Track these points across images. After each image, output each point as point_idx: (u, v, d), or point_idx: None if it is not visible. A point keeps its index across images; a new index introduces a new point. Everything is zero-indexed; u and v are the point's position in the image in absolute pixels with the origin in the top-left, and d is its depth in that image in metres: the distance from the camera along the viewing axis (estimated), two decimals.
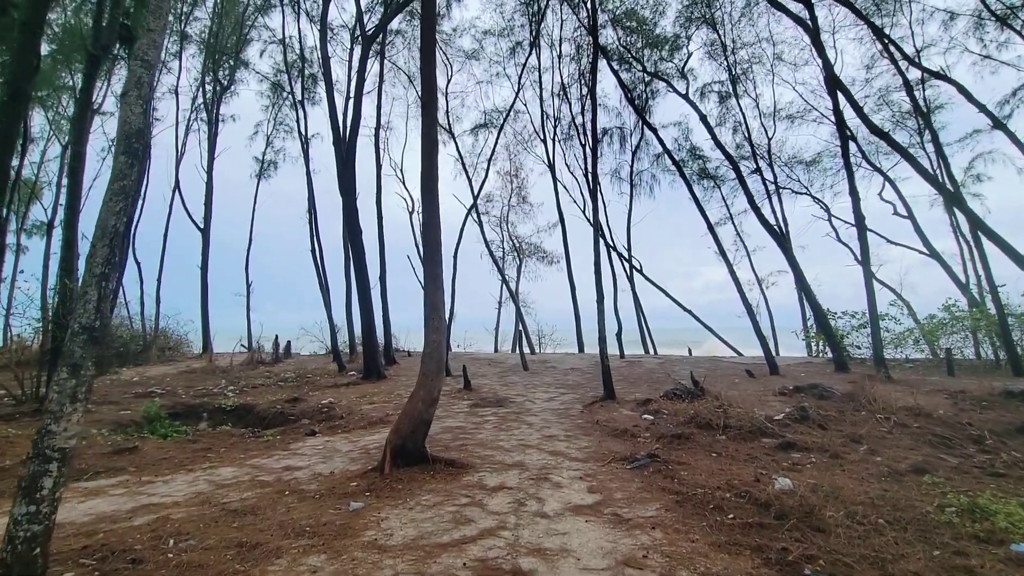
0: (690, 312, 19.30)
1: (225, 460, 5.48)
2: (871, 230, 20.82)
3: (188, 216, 22.10)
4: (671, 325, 31.28)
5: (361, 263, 12.80)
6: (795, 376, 11.72)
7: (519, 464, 4.99)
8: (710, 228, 12.98)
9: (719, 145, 15.13)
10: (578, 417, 7.54)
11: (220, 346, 24.82)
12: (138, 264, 27.89)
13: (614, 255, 21.14)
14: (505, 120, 16.47)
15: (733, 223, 22.49)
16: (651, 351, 21.04)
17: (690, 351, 18.62)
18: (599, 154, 23.31)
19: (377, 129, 17.22)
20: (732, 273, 12.40)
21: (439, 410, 8.29)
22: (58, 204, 29.78)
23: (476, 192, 14.09)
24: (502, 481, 4.44)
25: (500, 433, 6.44)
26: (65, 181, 26.01)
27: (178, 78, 23.12)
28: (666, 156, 22.38)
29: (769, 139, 22.31)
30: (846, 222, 21.46)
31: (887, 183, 19.05)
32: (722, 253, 12.96)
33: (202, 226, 21.96)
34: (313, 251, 16.96)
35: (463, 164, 22.56)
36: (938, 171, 17.27)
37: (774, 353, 20.38)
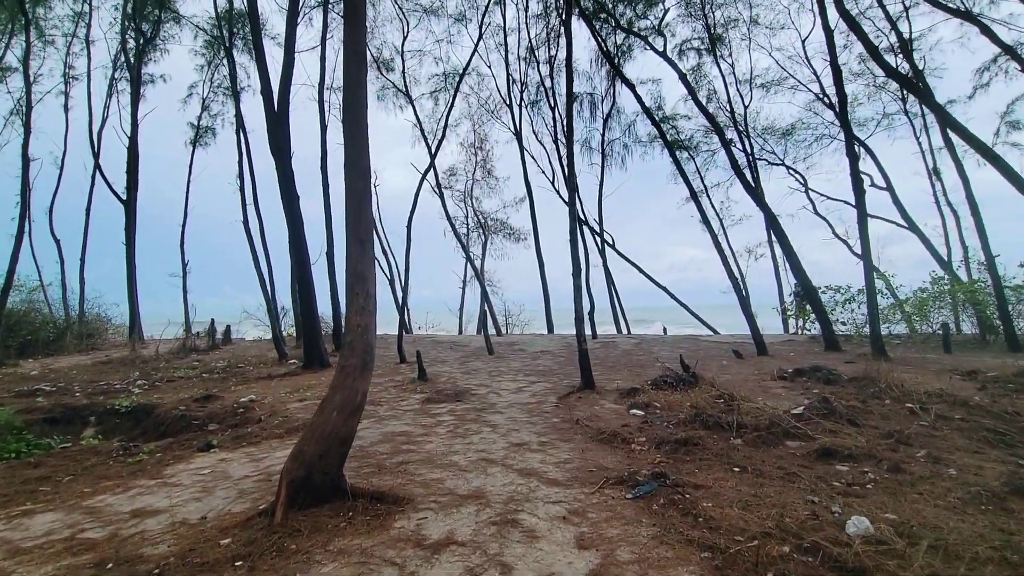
0: (665, 289, 18.31)
1: (58, 497, 3.84)
2: (845, 202, 20.28)
3: (108, 187, 19.45)
4: (641, 303, 30.51)
5: (298, 235, 10.99)
6: (786, 357, 10.74)
7: (477, 494, 3.57)
8: (693, 195, 11.78)
9: (700, 107, 13.87)
10: (553, 414, 6.19)
11: (156, 332, 22.50)
12: (57, 242, 24.88)
13: (585, 230, 19.84)
14: (464, 73, 14.72)
15: (707, 196, 21.54)
16: (624, 330, 20.01)
17: (665, 330, 17.66)
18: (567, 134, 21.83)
19: (321, 86, 15.15)
20: (717, 244, 11.27)
21: (383, 408, 6.81)
22: None
23: (434, 151, 12.38)
24: (451, 529, 3.01)
25: (455, 441, 5.01)
26: None
27: (88, 25, 20.14)
28: (645, 116, 21.14)
29: (745, 107, 21.26)
30: (822, 195, 20.84)
31: (867, 154, 18.38)
32: (706, 222, 11.82)
33: (124, 197, 19.37)
34: (245, 222, 14.92)
35: (421, 130, 20.67)
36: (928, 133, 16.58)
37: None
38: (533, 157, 21.67)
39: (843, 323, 13.23)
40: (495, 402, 6.96)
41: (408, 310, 25.97)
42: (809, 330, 14.15)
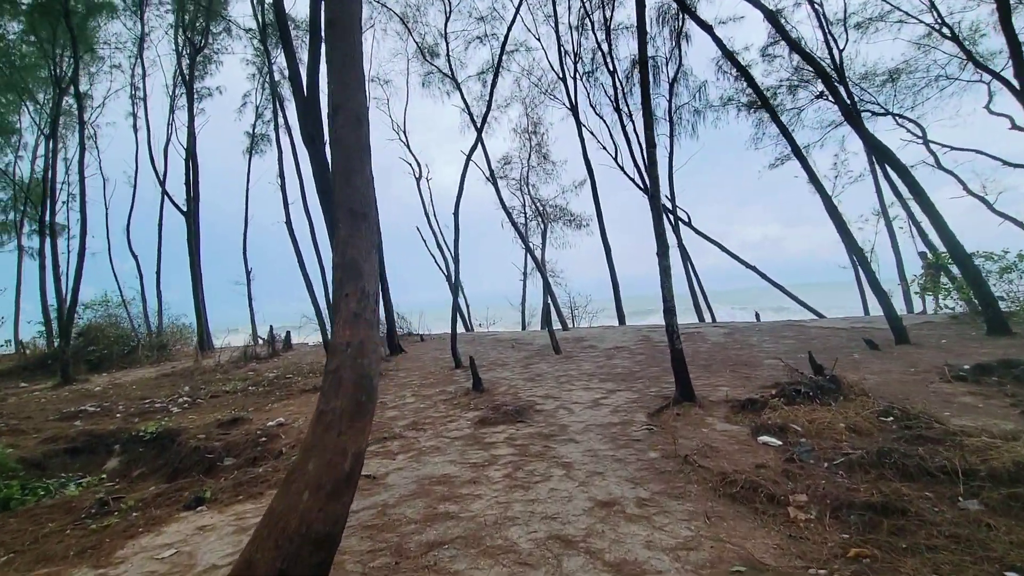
0: (755, 269, 15.87)
1: None
2: (980, 152, 16.75)
3: (170, 200, 19.77)
4: (719, 287, 27.77)
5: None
6: (937, 345, 8.38)
7: None
8: (797, 151, 9.52)
9: (795, 46, 11.48)
10: (647, 441, 4.55)
11: (236, 341, 22.88)
12: (135, 257, 26.20)
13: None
14: (509, 31, 13.13)
15: (801, 158, 18.62)
16: (708, 318, 17.76)
17: (758, 316, 15.29)
18: (627, 90, 19.71)
19: None
20: (832, 210, 9.01)
21: (425, 435, 5.43)
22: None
23: (480, 124, 10.97)
24: None
25: (514, 495, 3.53)
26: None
27: (140, 44, 20.50)
28: (718, 73, 18.77)
29: (840, 51, 18.15)
30: (947, 146, 17.39)
31: (1007, 89, 14.92)
32: (815, 182, 9.54)
33: (185, 209, 19.58)
34: (287, 222, 14.27)
35: (470, 114, 19.36)
36: None
37: (867, 309, 16.87)
38: (592, 132, 19.78)
39: (1001, 298, 10.47)
40: (566, 422, 5.41)
41: (468, 307, 24.97)
42: (952, 308, 11.41)
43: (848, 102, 14.21)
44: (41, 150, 28.36)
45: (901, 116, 16.61)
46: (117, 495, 4.26)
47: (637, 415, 5.52)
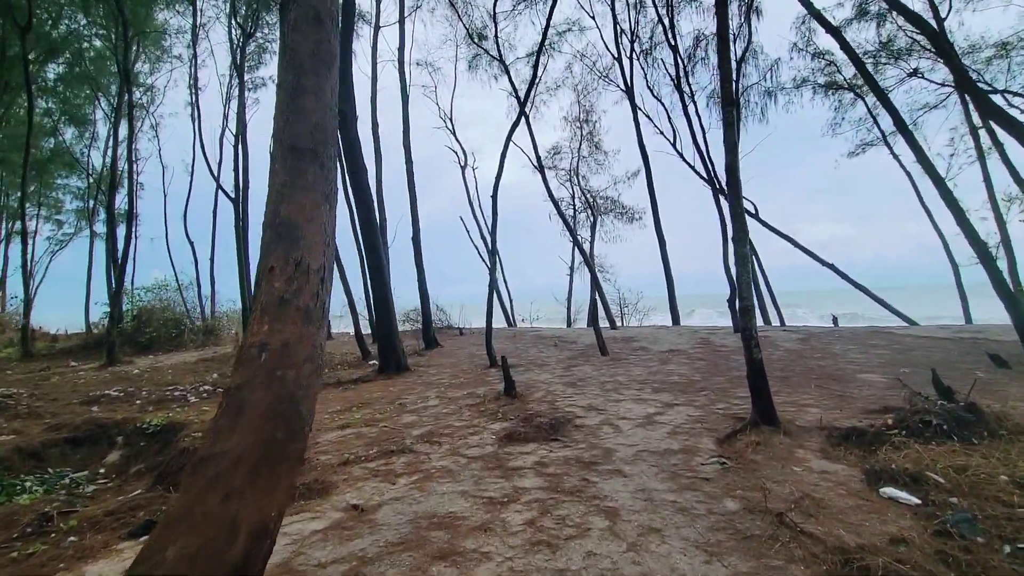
0: (832, 267, 14.02)
1: None
2: None
3: (220, 188, 19.99)
4: (785, 287, 25.52)
5: (368, 213, 9.26)
6: None
7: None
8: (902, 128, 7.86)
9: (899, 6, 9.69)
10: (720, 482, 3.44)
11: None
12: (191, 243, 27.02)
13: (720, 198, 16.10)
14: (554, 3, 11.98)
15: (907, 134, 16.47)
16: (776, 321, 16.03)
17: (835, 320, 13.49)
18: (690, 69, 18.07)
19: (400, 52, 13.49)
20: (948, 196, 7.34)
21: (439, 451, 4.44)
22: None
23: (523, 97, 9.97)
24: None
25: (535, 559, 2.54)
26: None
27: (195, 33, 20.79)
28: (803, 40, 16.96)
29: (941, 21, 15.81)
30: None
31: None
32: (924, 162, 7.85)
33: (233, 196, 19.74)
34: None
35: (517, 97, 18.34)
36: None
37: (969, 316, 14.59)
38: (648, 116, 18.31)
39: None
40: (612, 445, 4.36)
41: (511, 301, 24.09)
42: None
43: (961, 71, 12.20)
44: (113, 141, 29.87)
45: (1014, 94, 14.16)
46: (69, 509, 3.60)
47: (702, 440, 4.39)
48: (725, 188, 4.48)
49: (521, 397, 6.45)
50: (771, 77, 18.17)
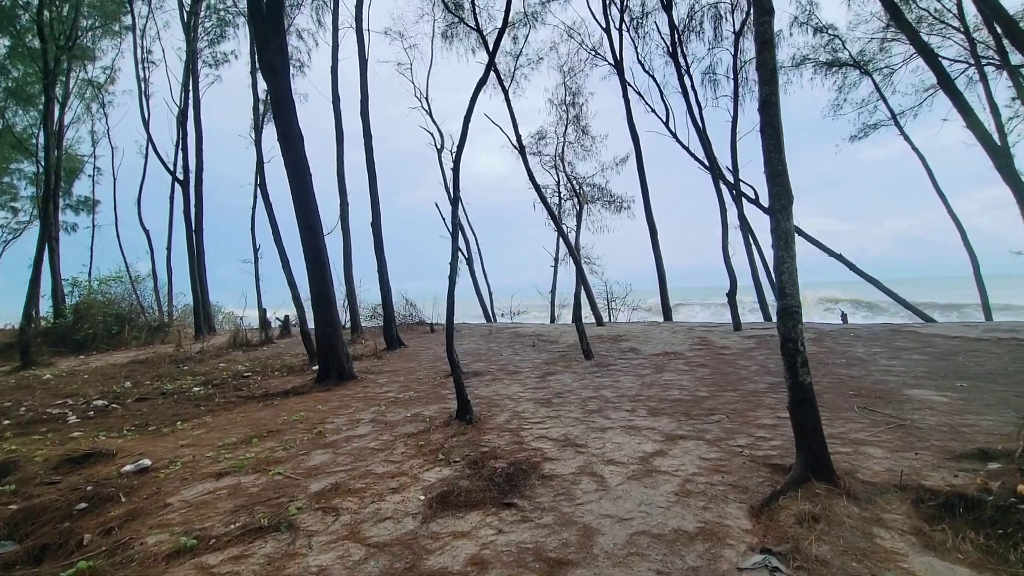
0: (840, 258, 12.69)
1: None
2: None
3: (163, 165, 18.05)
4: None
5: (304, 188, 7.64)
6: None
7: None
8: (946, 84, 6.43)
9: None
10: None
11: (246, 322, 21.35)
12: (146, 231, 25.01)
13: (719, 182, 14.66)
14: None
15: (952, 92, 15.16)
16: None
17: (845, 317, 12.20)
18: (685, 36, 16.58)
19: (359, 8, 11.77)
20: (1009, 169, 5.96)
21: (326, 532, 2.83)
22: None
23: (492, 47, 8.38)
24: None
25: None
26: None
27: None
28: (804, 14, 15.59)
29: None
30: None
31: None
32: (978, 131, 6.46)
33: (181, 177, 17.86)
34: (261, 184, 12.09)
35: (496, 73, 16.71)
36: None
37: (989, 312, 13.38)
38: (639, 93, 16.79)
39: None
40: (593, 521, 2.86)
41: (491, 295, 22.56)
42: None
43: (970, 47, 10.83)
44: (65, 119, 27.59)
45: None
46: None
47: (729, 508, 2.92)
48: (760, 130, 2.97)
49: (478, 423, 4.94)
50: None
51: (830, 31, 17.49)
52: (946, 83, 6.35)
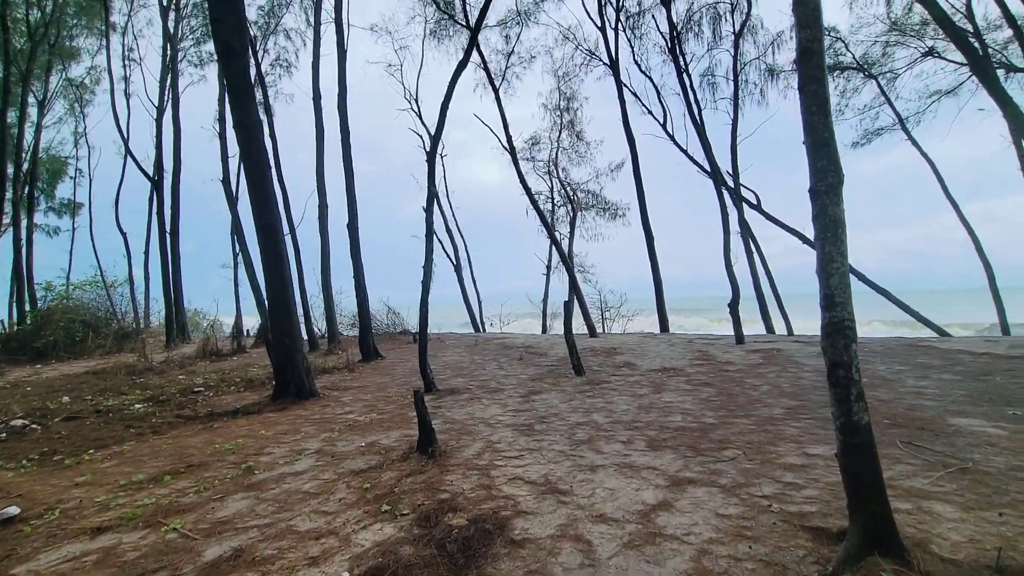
0: (854, 272, 11.93)
1: None
2: None
3: (137, 165, 17.17)
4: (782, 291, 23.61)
5: (261, 181, 6.81)
6: None
7: None
8: (981, 72, 5.72)
9: None
10: None
11: (224, 329, 20.47)
12: (123, 235, 24.09)
13: (714, 187, 13.95)
14: None
15: (905, 127, 14.55)
16: (782, 328, 13.95)
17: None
18: (683, 47, 15.97)
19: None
20: None
21: None
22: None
23: (476, 24, 7.61)
24: None
25: None
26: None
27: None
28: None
29: None
30: None
31: None
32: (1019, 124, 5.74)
33: (154, 177, 16.97)
34: (225, 180, 11.25)
35: (486, 69, 16.02)
36: None
37: (1007, 325, 12.59)
38: (635, 94, 16.13)
39: None
40: None
41: (481, 303, 21.71)
42: None
43: (980, 52, 10.18)
44: (45, 120, 26.74)
45: None
46: None
47: None
48: (799, 87, 2.16)
49: (443, 456, 4.09)
50: (772, 53, 16.15)
51: (832, 33, 16.95)
52: (981, 70, 5.66)
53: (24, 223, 20.58)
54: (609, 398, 6.12)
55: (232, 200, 10.50)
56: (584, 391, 6.63)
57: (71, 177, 30.91)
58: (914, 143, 14.79)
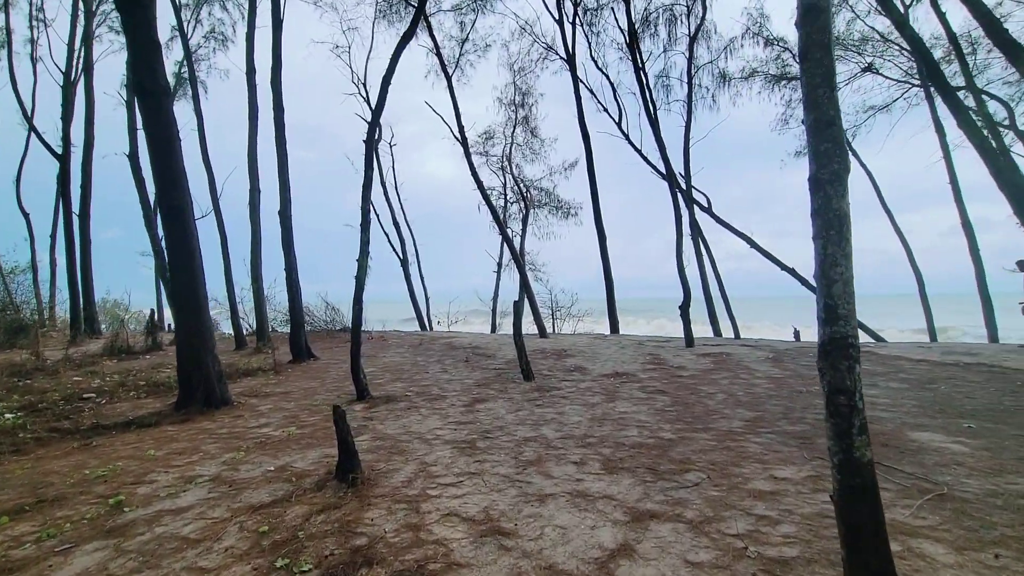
0: (793, 272, 12.16)
1: None
2: None
3: (40, 139, 15.20)
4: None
5: (169, 160, 5.86)
6: None
7: None
8: (937, 81, 5.67)
9: None
10: None
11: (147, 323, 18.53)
12: (26, 216, 21.50)
13: (665, 188, 13.88)
14: None
15: (848, 140, 15.03)
16: (729, 332, 14.06)
17: (798, 334, 11.65)
18: (640, 47, 15.85)
19: None
20: (1010, 175, 5.21)
21: None
22: None
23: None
24: None
25: None
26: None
27: None
28: (758, 26, 15.15)
29: (907, 7, 14.51)
30: None
31: None
32: (972, 134, 5.74)
33: (60, 152, 15.08)
34: (131, 154, 10.03)
35: (439, 55, 15.26)
36: None
37: (934, 332, 13.17)
38: (592, 91, 15.87)
39: None
40: None
41: (428, 300, 20.90)
42: None
43: (931, 63, 10.55)
44: None
45: (985, 93, 12.98)
46: None
47: None
48: (800, 57, 1.70)
49: (365, 485, 3.46)
50: (725, 58, 16.34)
51: (780, 43, 17.39)
52: (936, 77, 5.63)
53: None
54: (560, 407, 5.65)
55: (140, 178, 9.28)
56: (533, 399, 6.14)
57: None
58: (854, 154, 15.35)
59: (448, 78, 14.90)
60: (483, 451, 4.18)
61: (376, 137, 6.10)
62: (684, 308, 10.71)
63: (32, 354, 11.34)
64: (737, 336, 13.54)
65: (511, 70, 20.04)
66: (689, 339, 10.38)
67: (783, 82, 18.09)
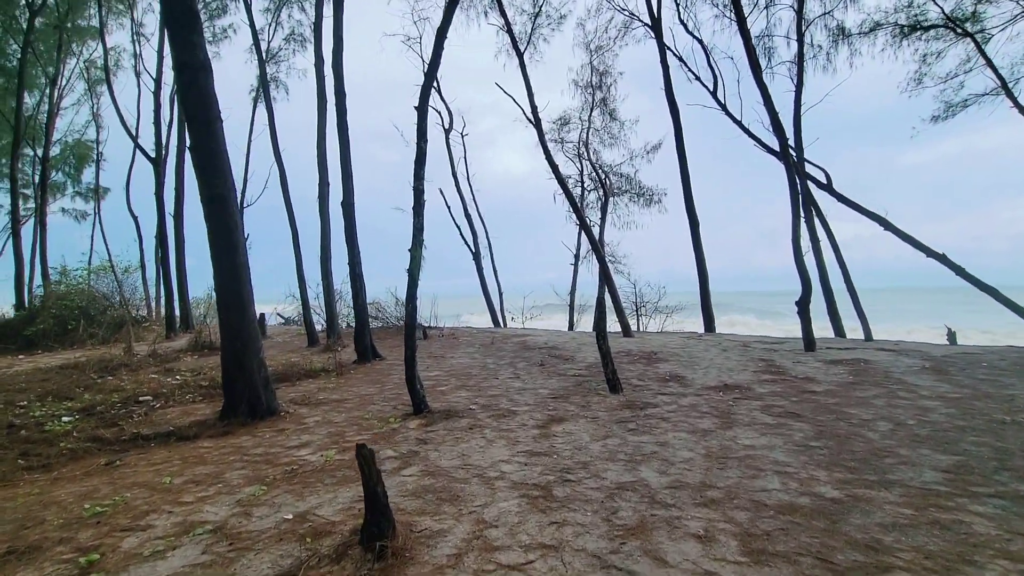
0: (943, 258, 9.79)
1: None
2: None
3: (137, 146, 16.11)
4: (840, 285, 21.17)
5: (209, 144, 5.31)
6: None
7: None
8: None
9: None
10: None
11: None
12: (135, 218, 23.40)
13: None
14: None
15: (1010, 91, 12.12)
16: (860, 334, 11.84)
17: (953, 336, 9.35)
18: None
19: None
20: None
21: None
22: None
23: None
24: None
25: None
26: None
27: None
28: None
29: None
30: None
31: None
32: None
33: (153, 156, 15.88)
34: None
35: (511, 35, 14.22)
36: None
37: None
38: (681, 59, 14.08)
39: None
40: None
41: (501, 295, 20.06)
42: None
43: None
44: (66, 101, 26.36)
45: None
46: None
47: None
48: None
49: (395, 560, 2.46)
50: (845, 5, 13.84)
51: None
52: None
53: (31, 207, 20.00)
54: (660, 435, 4.40)
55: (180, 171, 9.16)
56: (623, 420, 4.92)
57: (93, 160, 30.64)
58: (1021, 109, 12.32)
59: (520, 55, 13.83)
60: (562, 504, 3.07)
61: (430, 92, 5.15)
62: (803, 304, 8.90)
63: (125, 349, 11.82)
64: (868, 338, 11.30)
65: (587, 50, 18.63)
66: (810, 342, 8.59)
67: (917, 33, 15.09)
